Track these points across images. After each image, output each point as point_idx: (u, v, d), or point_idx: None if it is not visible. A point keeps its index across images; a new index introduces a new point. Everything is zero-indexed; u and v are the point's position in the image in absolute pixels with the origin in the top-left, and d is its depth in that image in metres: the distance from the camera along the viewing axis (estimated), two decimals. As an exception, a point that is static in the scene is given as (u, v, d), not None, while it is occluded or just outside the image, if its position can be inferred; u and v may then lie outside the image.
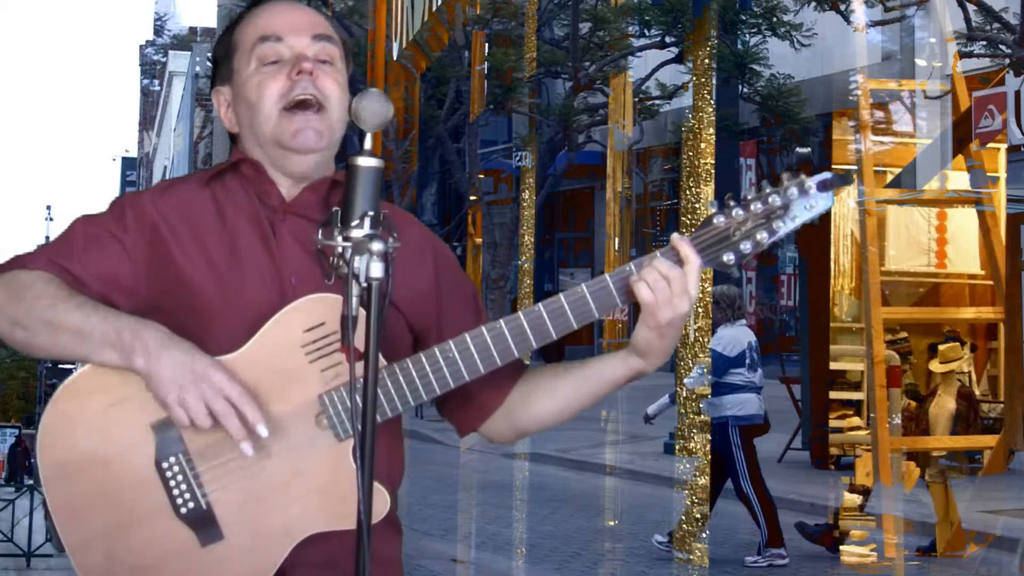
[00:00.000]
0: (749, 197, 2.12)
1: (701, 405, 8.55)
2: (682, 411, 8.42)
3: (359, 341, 2.02)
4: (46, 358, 2.17)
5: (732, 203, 2.12)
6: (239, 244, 2.20)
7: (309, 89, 2.18)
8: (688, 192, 8.25)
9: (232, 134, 2.32)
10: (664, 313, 2.12)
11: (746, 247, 2.13)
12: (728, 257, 2.13)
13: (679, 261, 2.12)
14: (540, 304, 2.13)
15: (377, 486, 2.08)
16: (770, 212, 2.12)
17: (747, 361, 8.69)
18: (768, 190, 2.12)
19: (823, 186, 2.11)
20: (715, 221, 2.13)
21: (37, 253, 2.21)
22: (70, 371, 2.80)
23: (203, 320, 2.14)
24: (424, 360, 2.12)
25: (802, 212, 2.12)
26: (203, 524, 2.10)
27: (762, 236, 2.12)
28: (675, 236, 2.13)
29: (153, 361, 2.05)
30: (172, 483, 2.10)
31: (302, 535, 2.11)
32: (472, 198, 20.31)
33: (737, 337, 8.73)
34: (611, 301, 2.13)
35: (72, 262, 2.17)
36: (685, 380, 8.72)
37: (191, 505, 2.10)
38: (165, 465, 2.10)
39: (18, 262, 2.19)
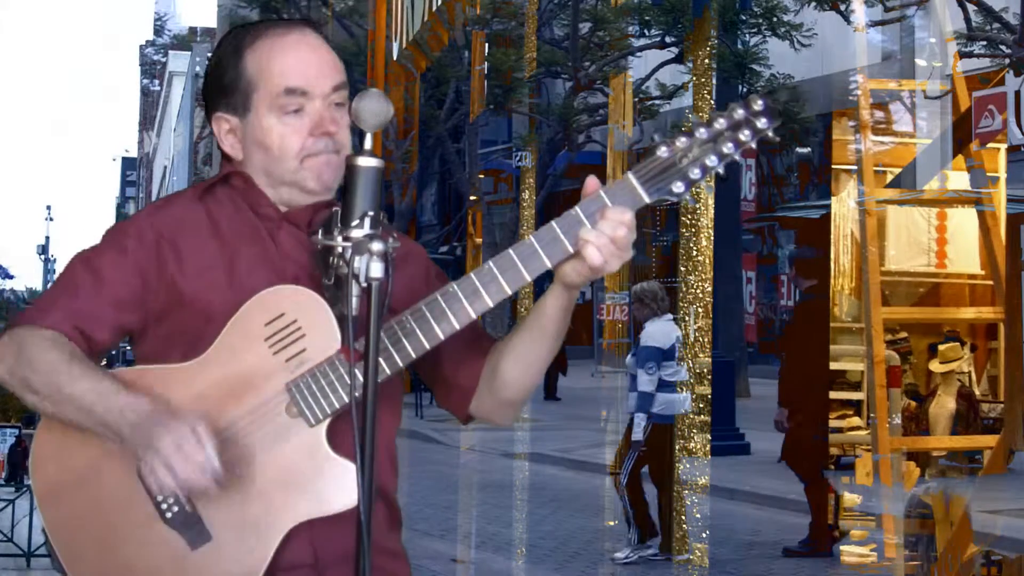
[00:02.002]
0: (694, 123, 2.10)
1: (631, 396, 8.66)
2: (683, 411, 8.42)
3: (322, 341, 2.12)
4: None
5: (676, 132, 2.10)
6: (238, 254, 2.23)
7: (330, 147, 2.23)
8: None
9: (227, 155, 2.33)
10: (609, 267, 2.09)
11: (695, 173, 2.08)
12: (677, 186, 2.09)
13: (631, 202, 2.09)
14: (490, 261, 2.13)
15: (351, 466, 2.11)
16: (717, 135, 2.08)
17: (676, 355, 8.75)
18: (714, 114, 2.10)
19: (768, 100, 2.09)
20: (659, 152, 2.09)
21: (46, 304, 2.25)
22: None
23: (206, 329, 2.17)
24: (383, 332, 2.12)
25: (750, 131, 2.09)
26: (190, 527, 2.13)
27: (711, 160, 2.09)
28: (624, 178, 2.09)
29: (136, 442, 2.09)
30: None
31: (288, 526, 2.14)
32: (472, 198, 20.33)
33: (666, 331, 8.77)
34: (564, 250, 2.10)
35: (79, 300, 2.22)
36: (640, 388, 8.73)
37: (176, 509, 2.13)
38: None
39: (29, 317, 2.23)
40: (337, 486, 2.12)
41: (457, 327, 2.13)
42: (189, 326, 2.19)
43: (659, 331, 8.73)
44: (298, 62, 2.24)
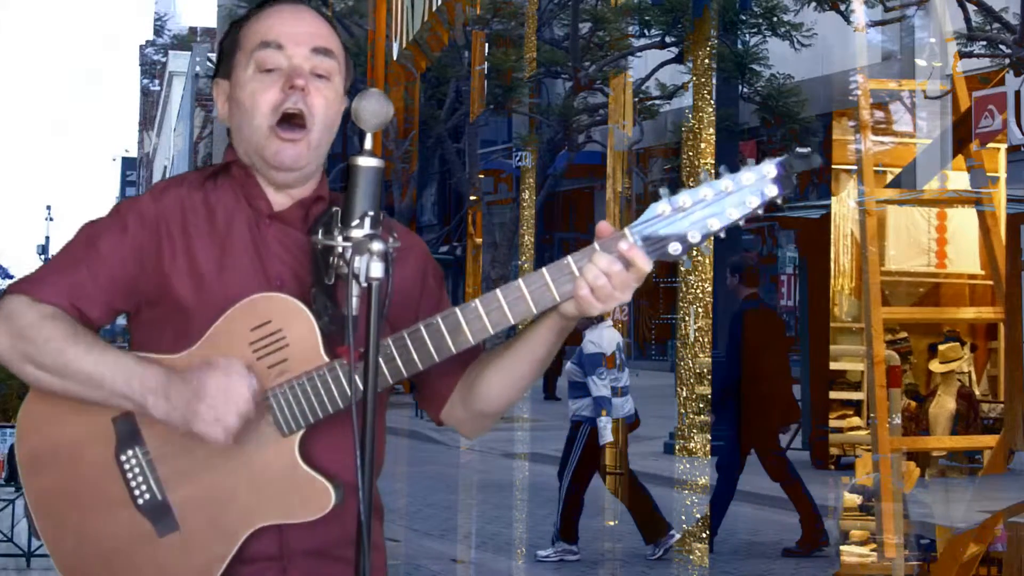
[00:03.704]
0: (702, 180, 2.02)
1: (574, 403, 8.73)
2: (682, 411, 8.43)
3: (303, 354, 2.14)
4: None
5: (681, 190, 2.02)
6: (228, 245, 2.26)
7: (299, 104, 2.22)
8: (688, 192, 8.25)
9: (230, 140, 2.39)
10: (607, 305, 2.05)
11: (694, 236, 2.01)
12: (674, 247, 2.02)
13: (626, 262, 2.03)
14: (477, 300, 2.12)
15: (319, 478, 2.15)
16: (722, 198, 1.99)
17: (617, 361, 8.82)
18: (723, 174, 2.00)
19: (783, 168, 1.98)
20: (660, 209, 2.02)
21: (44, 276, 2.26)
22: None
23: (192, 318, 2.20)
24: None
25: (758, 196, 1.98)
26: (160, 515, 2.18)
27: (713, 223, 2.00)
28: (622, 244, 2.02)
29: (163, 405, 2.12)
30: (130, 475, 2.19)
31: (252, 527, 2.18)
32: (472, 198, 20.31)
33: (609, 338, 8.85)
34: (550, 297, 2.07)
35: (78, 276, 2.24)
36: (595, 394, 8.77)
37: (147, 497, 2.18)
38: (123, 458, 2.19)
39: (25, 287, 2.24)
40: (303, 498, 2.15)
41: (438, 360, 2.12)
42: (176, 313, 2.22)
43: (600, 338, 8.82)
44: (278, 20, 2.28)
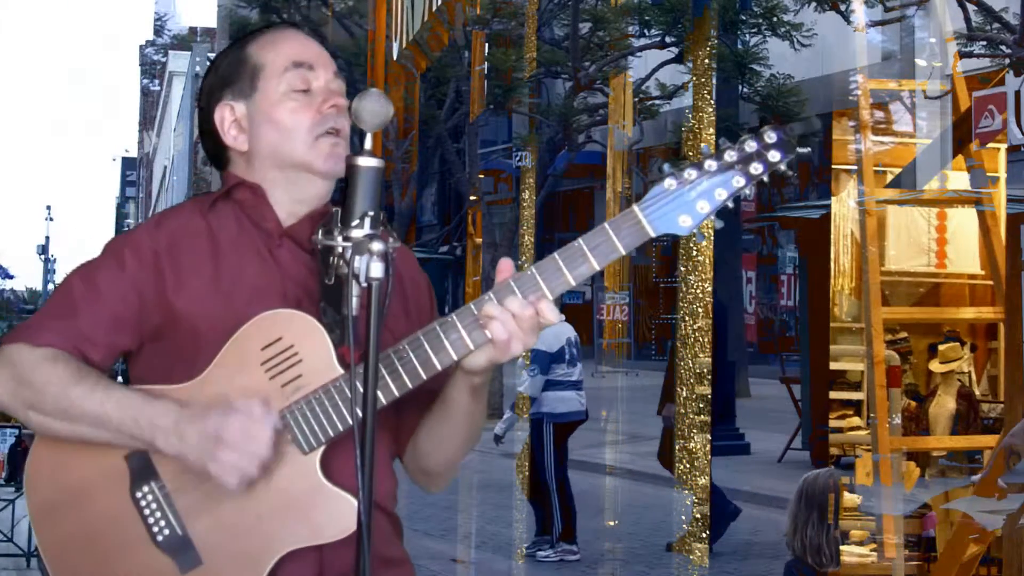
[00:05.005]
0: (704, 154, 2.02)
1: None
2: (682, 411, 8.41)
3: (318, 368, 2.10)
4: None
5: (684, 164, 2.03)
6: (237, 274, 2.21)
7: (340, 122, 2.23)
8: (688, 192, 8.24)
9: (223, 155, 2.31)
10: (514, 350, 2.06)
11: (703, 207, 2.01)
12: (684, 220, 2.02)
13: (636, 237, 2.02)
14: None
15: (344, 495, 2.10)
16: (727, 167, 2.01)
17: (567, 357, 8.89)
18: (724, 146, 2.02)
19: (783, 133, 2.01)
20: (666, 183, 2.02)
21: (41, 322, 2.21)
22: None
23: (202, 349, 2.15)
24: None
25: (763, 165, 2.01)
26: (181, 550, 2.11)
27: (720, 193, 2.01)
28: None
29: (176, 443, 2.07)
30: (147, 512, 2.12)
31: (279, 553, 2.11)
32: (472, 198, 20.28)
33: (557, 333, 8.90)
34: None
35: (78, 319, 2.18)
36: (519, 389, 8.86)
37: (167, 532, 2.11)
38: (139, 495, 2.13)
39: (23, 335, 2.19)
40: (329, 515, 2.09)
41: (455, 358, 2.10)
42: (184, 346, 2.16)
43: (548, 333, 8.85)
44: (301, 44, 2.30)
